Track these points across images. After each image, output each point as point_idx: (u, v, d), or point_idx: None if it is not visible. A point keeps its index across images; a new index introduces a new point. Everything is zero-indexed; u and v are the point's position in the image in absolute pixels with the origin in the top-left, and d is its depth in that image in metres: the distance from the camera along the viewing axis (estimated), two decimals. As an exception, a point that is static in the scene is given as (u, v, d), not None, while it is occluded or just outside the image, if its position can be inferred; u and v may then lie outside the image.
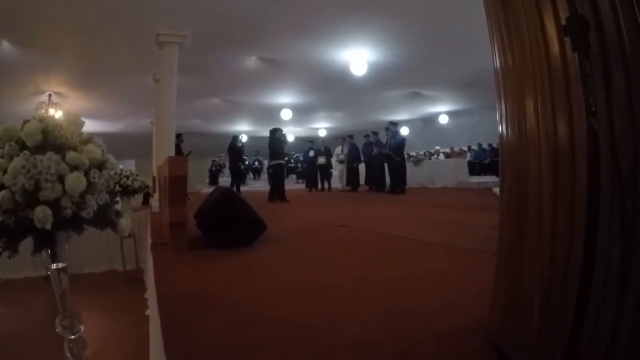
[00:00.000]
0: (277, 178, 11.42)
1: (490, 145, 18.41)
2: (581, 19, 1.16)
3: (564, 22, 1.21)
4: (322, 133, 24.35)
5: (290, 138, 18.11)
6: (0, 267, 9.79)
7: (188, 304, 2.53)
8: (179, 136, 10.38)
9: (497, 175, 16.04)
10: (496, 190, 11.05)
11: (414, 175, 14.11)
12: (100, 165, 1.86)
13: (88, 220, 1.78)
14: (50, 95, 12.98)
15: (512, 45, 1.55)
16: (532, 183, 1.46)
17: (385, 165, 13.72)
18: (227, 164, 15.87)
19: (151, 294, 3.91)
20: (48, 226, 1.62)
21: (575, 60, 1.18)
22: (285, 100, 16.59)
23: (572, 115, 1.25)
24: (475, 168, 18.00)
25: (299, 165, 20.99)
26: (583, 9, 1.18)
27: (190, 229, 4.21)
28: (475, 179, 16.47)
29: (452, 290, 2.64)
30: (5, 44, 8.84)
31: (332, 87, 14.50)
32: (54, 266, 1.88)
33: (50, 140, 1.75)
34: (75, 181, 1.67)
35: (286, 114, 17.15)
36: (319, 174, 16.26)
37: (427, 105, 19.26)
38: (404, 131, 17.71)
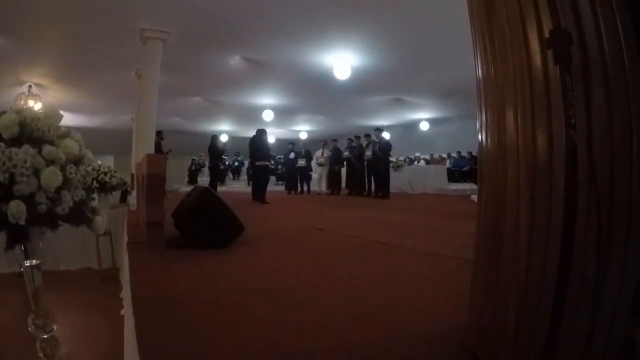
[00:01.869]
0: (261, 179, 11.36)
1: (469, 153, 18.58)
2: (564, 33, 1.18)
3: (547, 35, 1.22)
4: (303, 136, 24.41)
5: (271, 139, 18.02)
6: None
7: (163, 305, 2.50)
8: (159, 133, 10.28)
9: (475, 183, 16.23)
10: (474, 197, 11.21)
11: (393, 181, 14.13)
12: (77, 161, 1.83)
13: (63, 217, 1.74)
14: (30, 86, 12.74)
15: (495, 56, 1.56)
16: (509, 192, 1.48)
17: (366, 169, 13.81)
18: (207, 163, 15.74)
19: (126, 294, 3.87)
20: (22, 222, 1.59)
21: (556, 73, 1.20)
22: (267, 102, 16.53)
23: (551, 127, 1.27)
24: (454, 175, 18.16)
25: (279, 167, 20.93)
26: (566, 23, 1.20)
27: (168, 228, 4.17)
28: (454, 186, 16.68)
29: (429, 296, 2.66)
30: None
31: (315, 90, 14.49)
32: (27, 263, 1.84)
33: (27, 133, 1.71)
34: (51, 176, 1.64)
35: (268, 115, 17.06)
36: (298, 177, 16.28)
37: (408, 112, 19.34)
38: (386, 135, 17.81)
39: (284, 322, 2.15)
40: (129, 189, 9.06)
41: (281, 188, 18.22)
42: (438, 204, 10.62)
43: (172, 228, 4.33)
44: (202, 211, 4.10)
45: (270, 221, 6.60)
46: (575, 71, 1.18)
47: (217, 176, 13.77)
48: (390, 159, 14.83)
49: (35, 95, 12.98)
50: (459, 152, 19.27)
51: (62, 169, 1.71)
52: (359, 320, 2.19)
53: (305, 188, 16.12)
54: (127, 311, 3.24)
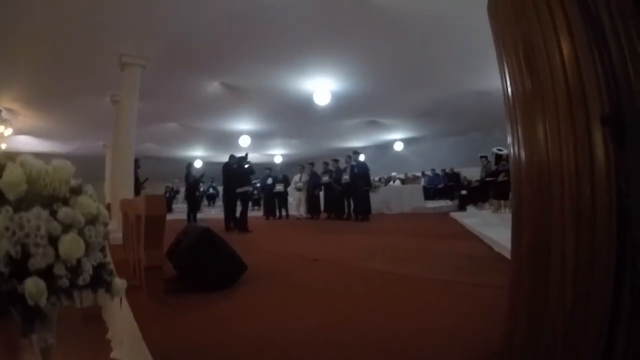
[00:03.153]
0: (243, 207, 11.15)
1: (443, 170, 18.83)
2: (619, 114, 1.21)
3: (602, 113, 1.27)
4: (278, 159, 24.30)
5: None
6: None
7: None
8: (136, 162, 10.06)
9: (451, 199, 16.47)
10: (454, 215, 11.24)
11: (371, 202, 14.16)
12: (94, 219, 1.66)
13: (82, 286, 1.58)
14: (0, 111, 12.38)
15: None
16: (555, 240, 1.51)
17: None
18: (183, 191, 15.48)
19: (118, 337, 3.71)
20: (42, 302, 1.40)
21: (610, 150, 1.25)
22: (244, 127, 16.50)
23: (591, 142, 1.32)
24: (430, 193, 18.27)
25: (255, 192, 20.77)
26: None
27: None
28: (431, 204, 16.83)
29: (448, 326, 2.66)
30: None
31: (293, 115, 14.53)
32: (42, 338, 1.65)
33: (36, 191, 1.51)
34: (73, 245, 1.41)
35: (244, 141, 17.00)
36: (276, 202, 16.14)
37: (383, 133, 19.59)
38: (361, 158, 17.91)
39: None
40: (108, 221, 8.78)
41: (258, 213, 18.06)
42: (420, 225, 10.62)
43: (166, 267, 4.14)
44: (202, 253, 3.92)
45: (260, 252, 6.40)
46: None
47: (195, 205, 13.52)
48: (368, 180, 14.90)
49: (5, 120, 12.64)
50: (433, 170, 19.44)
51: (80, 232, 1.54)
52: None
53: (283, 213, 16.00)
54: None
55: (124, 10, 6.97)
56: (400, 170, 20.44)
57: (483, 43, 7.50)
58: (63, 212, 1.49)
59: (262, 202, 18.96)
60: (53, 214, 1.47)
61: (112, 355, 4.19)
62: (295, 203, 16.29)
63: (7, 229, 1.35)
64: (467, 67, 9.80)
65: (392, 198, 16.82)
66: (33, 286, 1.36)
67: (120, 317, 3.68)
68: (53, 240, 1.43)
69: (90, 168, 18.77)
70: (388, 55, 9.17)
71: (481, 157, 12.87)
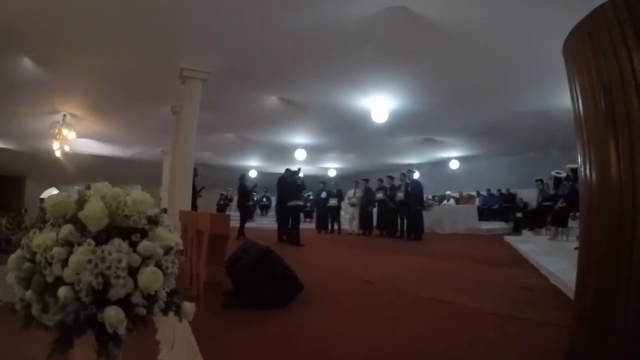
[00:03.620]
0: (294, 220, 11.20)
1: (499, 191, 18.32)
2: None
3: None
4: (332, 173, 24.38)
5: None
6: (2, 289, 9.69)
7: None
8: (194, 170, 10.34)
9: (505, 221, 16.04)
10: (509, 239, 10.97)
11: (424, 220, 13.95)
12: (170, 249, 1.71)
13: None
14: (65, 115, 12.99)
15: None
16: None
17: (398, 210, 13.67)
18: (237, 199, 15.72)
19: (168, 340, 3.80)
20: (122, 331, 1.46)
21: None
22: (299, 140, 16.70)
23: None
24: (485, 213, 17.81)
25: (308, 204, 20.89)
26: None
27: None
28: (485, 225, 16.32)
29: None
30: (27, 61, 8.78)
31: (349, 130, 14.64)
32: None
33: (116, 223, 1.54)
34: (152, 278, 1.46)
35: (300, 155, 17.25)
36: (329, 216, 16.14)
37: (438, 150, 19.38)
38: (416, 175, 17.75)
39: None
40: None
41: (309, 226, 18.12)
42: (474, 248, 10.36)
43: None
44: (261, 272, 3.99)
45: (314, 269, 6.40)
46: None
47: (246, 215, 13.70)
48: (422, 198, 14.72)
49: (69, 124, 13.26)
50: (488, 190, 18.99)
51: (157, 263, 1.59)
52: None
53: (335, 227, 15.99)
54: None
55: (187, 26, 7.25)
56: (455, 189, 20.08)
57: (543, 62, 7.43)
58: (143, 245, 1.53)
59: (314, 215, 19.04)
60: (133, 245, 1.52)
61: (159, 356, 4.28)
62: (349, 218, 16.24)
63: (89, 261, 1.40)
64: (526, 85, 9.63)
65: (446, 217, 16.50)
66: (114, 316, 1.41)
67: (172, 321, 3.76)
68: (132, 271, 1.49)
69: (148, 172, 19.57)
70: (446, 74, 9.14)
71: (537, 180, 12.51)
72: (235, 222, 14.38)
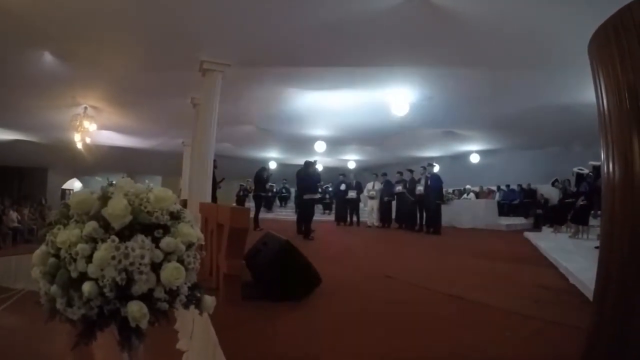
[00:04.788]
0: (307, 213, 11.14)
1: (519, 186, 18.17)
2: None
3: None
4: (352, 165, 24.36)
5: (319, 168, 18.09)
6: (27, 278, 9.97)
7: None
8: (214, 162, 10.42)
9: (525, 217, 15.92)
10: (528, 235, 10.90)
11: (442, 214, 13.89)
12: (191, 244, 1.74)
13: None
14: (85, 108, 13.15)
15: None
16: None
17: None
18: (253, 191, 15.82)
19: (186, 329, 3.91)
20: (144, 325, 1.50)
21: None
22: (318, 133, 16.72)
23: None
24: (504, 209, 17.65)
25: (327, 196, 20.89)
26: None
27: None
28: (504, 221, 16.15)
29: None
30: (48, 55, 8.91)
31: (369, 124, 14.63)
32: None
33: (139, 220, 1.60)
34: (174, 273, 1.51)
35: (320, 147, 17.29)
36: (348, 208, 16.19)
37: (459, 144, 19.23)
38: (436, 169, 17.65)
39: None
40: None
41: (329, 218, 18.25)
42: (493, 244, 10.32)
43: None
44: (281, 265, 4.08)
45: (333, 263, 6.40)
46: None
47: (260, 206, 13.73)
48: (442, 192, 14.68)
49: (90, 116, 13.46)
50: (508, 186, 18.83)
51: (179, 258, 1.63)
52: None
53: (354, 219, 16.03)
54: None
55: (208, 20, 7.30)
56: (475, 183, 19.96)
57: (567, 57, 7.33)
58: (166, 241, 1.57)
59: (333, 207, 19.10)
60: (155, 241, 1.57)
61: (178, 345, 4.36)
62: (368, 210, 16.26)
63: (113, 257, 1.44)
64: (548, 80, 9.51)
65: (465, 212, 16.40)
66: (137, 310, 1.46)
67: (192, 312, 3.85)
68: (154, 267, 1.54)
69: (169, 164, 19.77)
70: (468, 68, 9.06)
71: (553, 182, 12.43)
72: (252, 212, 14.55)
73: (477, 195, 19.14)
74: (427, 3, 6.46)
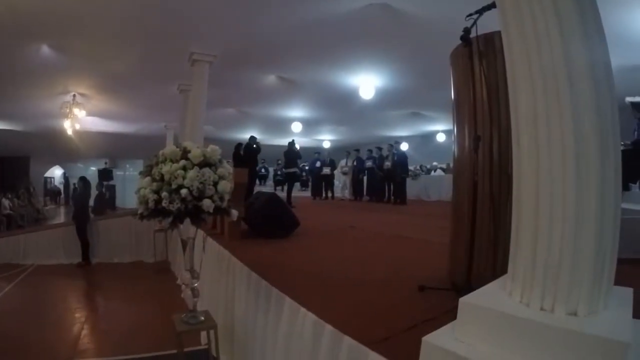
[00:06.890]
0: (289, 185, 12.87)
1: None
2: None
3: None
4: (326, 145, 25.53)
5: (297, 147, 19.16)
6: (35, 254, 10.93)
7: (267, 266, 3.89)
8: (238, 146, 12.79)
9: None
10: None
11: (411, 188, 15.03)
12: (227, 175, 3.14)
13: (218, 208, 3.05)
14: (74, 95, 13.52)
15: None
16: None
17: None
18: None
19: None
20: (211, 210, 2.88)
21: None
22: (295, 114, 17.61)
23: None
24: (469, 182, 18.85)
25: (304, 173, 21.94)
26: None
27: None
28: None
29: (432, 265, 4.00)
30: (45, 48, 9.40)
31: (340, 106, 15.62)
32: (194, 235, 3.16)
33: (206, 160, 3.01)
34: (226, 186, 2.93)
35: (296, 127, 18.24)
36: (323, 184, 17.41)
37: (425, 124, 20.54)
38: (404, 147, 18.84)
39: (342, 273, 3.49)
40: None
41: (306, 194, 19.44)
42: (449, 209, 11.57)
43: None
44: (269, 210, 5.56)
45: (309, 221, 7.66)
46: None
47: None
48: (410, 168, 15.91)
49: (79, 103, 13.88)
50: (472, 161, 20.02)
51: (223, 179, 3.02)
52: (390, 272, 3.64)
53: (329, 194, 17.28)
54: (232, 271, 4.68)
55: (197, 12, 7.94)
56: (442, 160, 21.18)
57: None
58: (221, 170, 2.99)
59: (309, 184, 20.28)
60: (215, 169, 2.97)
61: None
62: (341, 186, 17.57)
63: (197, 176, 2.85)
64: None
65: (432, 186, 17.55)
66: (210, 205, 2.87)
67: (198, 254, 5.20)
68: (214, 183, 2.93)
69: (151, 145, 20.18)
70: (425, 58, 10.15)
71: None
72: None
73: (445, 171, 20.35)
74: (388, 7, 7.71)
